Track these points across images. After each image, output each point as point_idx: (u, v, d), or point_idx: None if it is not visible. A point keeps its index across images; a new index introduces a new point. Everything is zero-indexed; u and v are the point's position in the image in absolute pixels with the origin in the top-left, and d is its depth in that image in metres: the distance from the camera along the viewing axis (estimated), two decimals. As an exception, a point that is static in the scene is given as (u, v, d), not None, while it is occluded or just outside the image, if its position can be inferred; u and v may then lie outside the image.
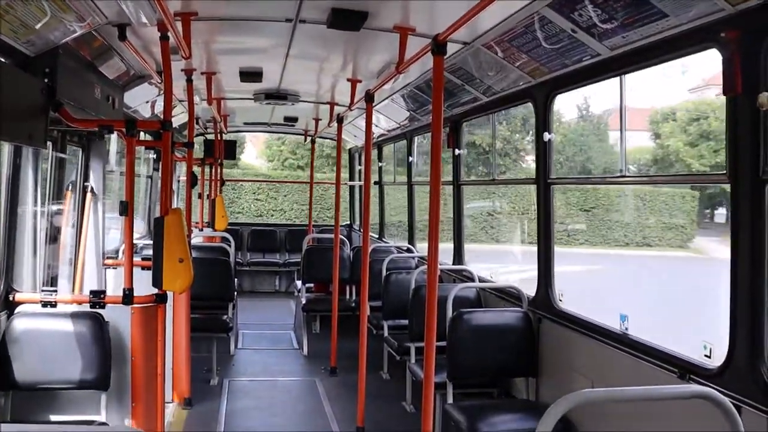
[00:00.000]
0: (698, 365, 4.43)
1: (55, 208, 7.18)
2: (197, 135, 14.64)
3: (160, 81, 7.08)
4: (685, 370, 4.49)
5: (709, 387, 3.82)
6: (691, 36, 4.25)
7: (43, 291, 5.85)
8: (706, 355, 4.40)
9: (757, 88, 3.78)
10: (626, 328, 5.35)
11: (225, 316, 9.91)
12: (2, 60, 4.55)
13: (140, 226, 11.76)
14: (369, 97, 7.36)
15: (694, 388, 3.68)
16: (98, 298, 5.78)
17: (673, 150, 25.01)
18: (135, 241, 6.92)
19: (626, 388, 3.02)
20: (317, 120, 12.79)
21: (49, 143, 6.65)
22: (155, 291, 5.63)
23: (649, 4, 4.20)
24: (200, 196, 14.19)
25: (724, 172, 4.11)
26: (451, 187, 9.36)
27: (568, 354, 6.11)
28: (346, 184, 16.79)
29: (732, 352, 4.10)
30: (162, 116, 6.43)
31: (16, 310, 5.67)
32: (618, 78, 5.34)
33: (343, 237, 11.80)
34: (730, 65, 3.91)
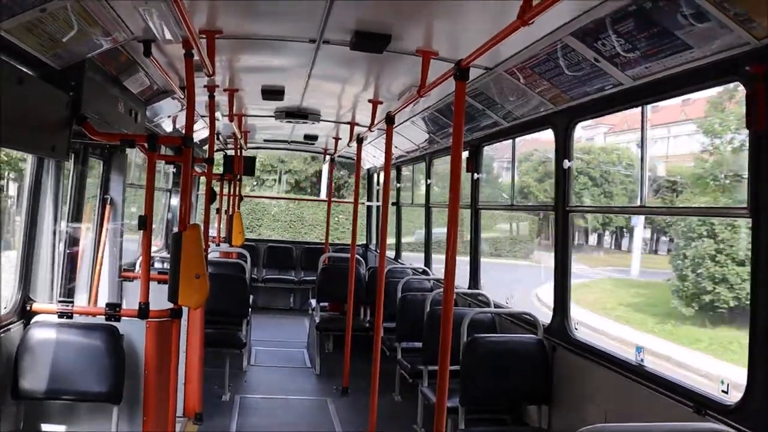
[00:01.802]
0: (715, 400, 4.37)
1: (74, 219, 7.23)
2: (217, 150, 14.72)
3: (182, 96, 7.14)
4: (702, 405, 4.43)
5: (727, 423, 3.77)
6: (715, 68, 4.23)
7: (59, 302, 5.88)
8: (723, 391, 4.34)
9: (781, 123, 3.75)
10: (642, 360, 5.29)
11: (239, 332, 9.91)
12: (29, 73, 4.60)
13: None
14: (389, 119, 7.38)
15: (713, 426, 3.64)
16: (114, 310, 5.80)
17: (526, 185, 29.83)
18: (152, 254, 6.95)
19: (645, 424, 2.98)
20: (337, 139, 12.83)
21: (71, 155, 6.70)
22: (170, 305, 5.64)
23: (672, 36, 4.19)
24: (218, 211, 14.24)
25: (745, 206, 4.07)
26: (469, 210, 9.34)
27: (582, 383, 6.05)
28: (363, 203, 16.80)
29: (750, 388, 4.04)
30: (183, 131, 6.47)
31: (33, 320, 5.70)
32: (640, 108, 5.33)
33: (359, 257, 11.80)
34: (754, 99, 3.88)
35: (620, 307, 18.43)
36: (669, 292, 19.35)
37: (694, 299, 16.74)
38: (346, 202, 26.56)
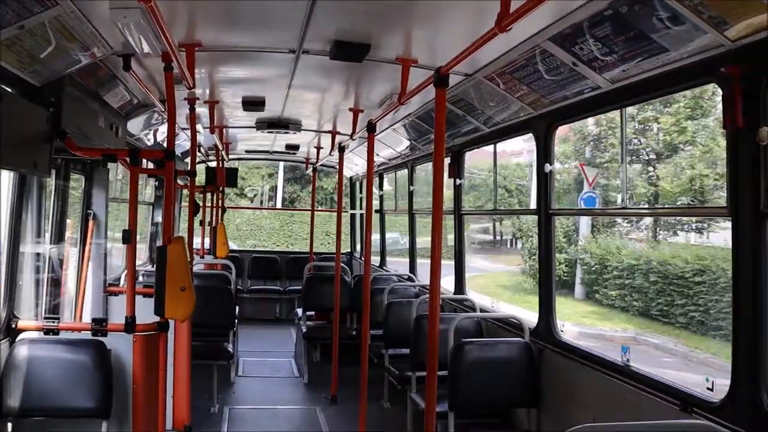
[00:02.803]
0: (701, 398, 4.41)
1: (57, 235, 7.19)
2: (199, 162, 14.68)
3: (163, 110, 7.12)
4: (688, 403, 4.48)
5: (713, 420, 3.82)
6: (691, 70, 4.29)
7: (45, 318, 5.84)
8: (708, 388, 4.39)
9: (757, 123, 3.80)
10: (628, 360, 5.33)
11: (226, 344, 9.87)
12: (8, 90, 4.59)
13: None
14: (371, 127, 7.39)
15: (699, 422, 3.68)
16: (100, 325, 5.77)
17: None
18: (137, 268, 6.92)
19: (632, 423, 3.01)
20: (318, 148, 12.83)
21: (52, 171, 6.67)
22: (157, 319, 5.62)
23: (649, 39, 4.24)
24: (201, 223, 14.20)
25: (725, 206, 4.12)
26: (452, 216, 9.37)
27: (570, 385, 6.08)
28: (347, 211, 16.79)
29: (734, 385, 4.09)
30: (165, 145, 6.46)
31: (18, 338, 5.66)
32: (619, 111, 5.38)
33: (343, 265, 11.80)
34: (730, 100, 3.93)
35: (496, 288, 26.04)
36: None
37: (533, 277, 23.18)
38: (329, 211, 26.60)
